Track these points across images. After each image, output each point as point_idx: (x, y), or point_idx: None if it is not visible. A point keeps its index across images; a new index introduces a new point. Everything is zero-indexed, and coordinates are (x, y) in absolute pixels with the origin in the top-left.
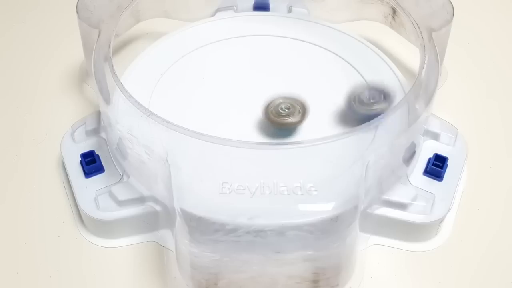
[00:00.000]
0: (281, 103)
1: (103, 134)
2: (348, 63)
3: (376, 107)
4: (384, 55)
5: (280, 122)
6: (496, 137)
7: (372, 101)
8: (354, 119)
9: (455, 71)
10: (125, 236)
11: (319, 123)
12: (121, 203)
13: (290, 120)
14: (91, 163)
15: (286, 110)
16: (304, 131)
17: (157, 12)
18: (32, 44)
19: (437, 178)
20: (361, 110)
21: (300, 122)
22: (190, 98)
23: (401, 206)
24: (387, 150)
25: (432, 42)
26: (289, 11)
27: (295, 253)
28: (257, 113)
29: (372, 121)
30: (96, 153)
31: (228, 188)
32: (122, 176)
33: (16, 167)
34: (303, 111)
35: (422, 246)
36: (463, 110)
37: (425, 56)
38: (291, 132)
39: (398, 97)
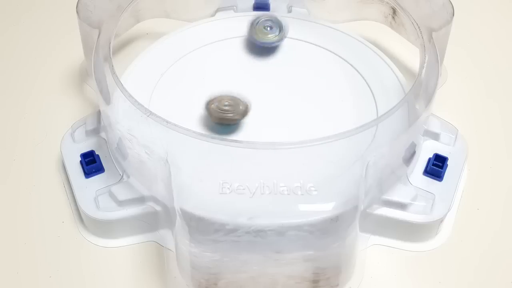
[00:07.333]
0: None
1: (103, 134)
2: (348, 63)
3: (271, 36)
4: (384, 55)
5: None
6: (496, 137)
7: (268, 30)
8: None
9: (455, 71)
10: (125, 236)
11: (319, 123)
12: (121, 203)
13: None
14: (91, 163)
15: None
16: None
17: (157, 12)
18: (32, 44)
19: (437, 178)
20: (259, 38)
21: (240, 119)
22: (190, 98)
23: (401, 206)
24: (387, 150)
25: (432, 42)
26: (289, 11)
27: (295, 253)
28: (257, 112)
29: (372, 121)
30: (96, 153)
31: (228, 188)
32: (122, 176)
33: (16, 167)
34: (245, 109)
35: (422, 246)
36: (463, 110)
37: (425, 56)
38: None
39: (398, 97)
